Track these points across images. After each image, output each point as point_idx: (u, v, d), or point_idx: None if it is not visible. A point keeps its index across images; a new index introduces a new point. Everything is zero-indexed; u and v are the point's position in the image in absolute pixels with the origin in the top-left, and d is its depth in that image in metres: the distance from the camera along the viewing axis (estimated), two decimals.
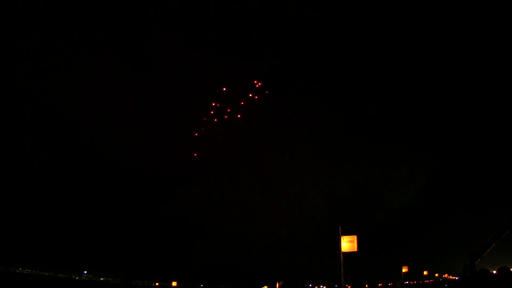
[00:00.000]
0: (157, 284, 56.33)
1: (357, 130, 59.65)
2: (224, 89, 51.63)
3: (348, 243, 21.99)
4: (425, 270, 55.16)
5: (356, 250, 21.92)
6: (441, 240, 58.19)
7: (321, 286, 64.13)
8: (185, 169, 55.19)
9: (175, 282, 52.80)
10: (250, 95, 52.22)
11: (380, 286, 64.63)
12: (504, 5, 41.09)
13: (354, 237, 22.06)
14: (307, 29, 49.95)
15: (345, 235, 22.15)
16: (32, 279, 44.82)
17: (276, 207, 57.00)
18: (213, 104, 52.28)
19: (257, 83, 51.91)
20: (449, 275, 59.72)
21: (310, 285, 64.74)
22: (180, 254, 55.83)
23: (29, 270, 46.82)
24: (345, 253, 22.06)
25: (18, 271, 45.50)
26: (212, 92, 52.16)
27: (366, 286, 64.58)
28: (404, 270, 46.19)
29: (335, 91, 55.78)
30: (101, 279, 53.84)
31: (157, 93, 50.20)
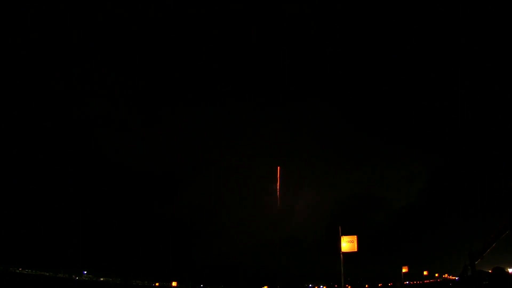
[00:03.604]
0: (157, 284, 56.31)
1: (358, 131, 59.76)
2: None
3: (348, 243, 21.90)
4: (425, 270, 55.21)
5: (356, 250, 21.85)
6: (441, 240, 58.24)
7: (321, 286, 64.07)
8: (186, 171, 55.27)
9: (175, 282, 52.79)
10: None
11: (380, 286, 64.57)
12: (504, 5, 41.15)
13: (354, 237, 21.99)
14: (307, 29, 50.01)
15: (345, 235, 22.08)
16: (32, 279, 44.74)
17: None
18: None
19: None
20: (449, 275, 59.62)
21: (310, 285, 64.68)
22: (180, 254, 55.87)
23: (29, 270, 46.78)
24: (345, 253, 21.99)
25: (18, 271, 45.45)
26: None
27: (366, 286, 64.52)
28: (404, 270, 46.12)
29: (335, 92, 55.88)
30: (101, 279, 53.81)
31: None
